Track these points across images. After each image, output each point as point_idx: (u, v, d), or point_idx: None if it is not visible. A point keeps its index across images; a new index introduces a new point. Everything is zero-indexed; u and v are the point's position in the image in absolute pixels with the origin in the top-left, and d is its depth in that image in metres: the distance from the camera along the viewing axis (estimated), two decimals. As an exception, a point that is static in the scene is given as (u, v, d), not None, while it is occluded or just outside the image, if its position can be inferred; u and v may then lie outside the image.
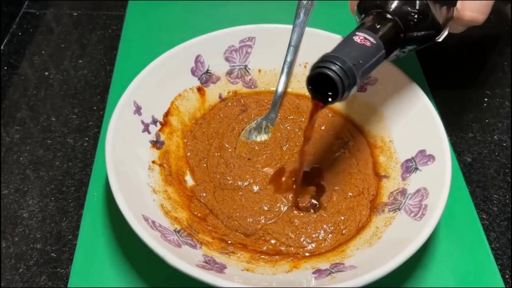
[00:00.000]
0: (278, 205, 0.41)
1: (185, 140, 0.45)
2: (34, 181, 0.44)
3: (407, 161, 0.41)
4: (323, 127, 0.46)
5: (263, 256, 0.37)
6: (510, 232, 0.42)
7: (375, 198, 0.41)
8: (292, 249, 0.38)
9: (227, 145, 0.44)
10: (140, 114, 0.42)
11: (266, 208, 0.40)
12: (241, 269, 0.35)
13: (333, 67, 0.30)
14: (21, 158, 0.46)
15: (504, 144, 0.49)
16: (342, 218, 0.39)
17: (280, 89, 0.47)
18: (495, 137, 0.50)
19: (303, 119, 0.47)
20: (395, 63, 0.44)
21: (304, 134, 0.39)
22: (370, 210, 0.40)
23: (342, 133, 0.45)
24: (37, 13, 0.63)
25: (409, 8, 0.34)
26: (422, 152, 0.40)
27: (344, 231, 0.39)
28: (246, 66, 0.49)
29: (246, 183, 0.42)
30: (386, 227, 0.37)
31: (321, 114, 0.47)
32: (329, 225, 0.39)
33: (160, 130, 0.43)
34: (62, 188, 0.44)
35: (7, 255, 0.39)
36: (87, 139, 0.48)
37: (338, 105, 0.48)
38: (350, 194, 0.41)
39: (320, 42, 0.47)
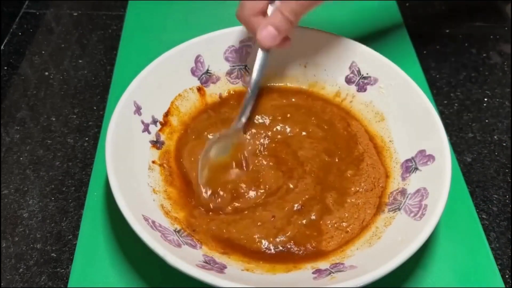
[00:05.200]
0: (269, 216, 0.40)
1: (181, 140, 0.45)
2: (34, 181, 0.44)
3: (407, 161, 0.41)
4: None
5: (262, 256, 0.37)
6: (510, 232, 0.42)
7: (383, 192, 0.41)
8: (293, 248, 0.38)
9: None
10: (140, 114, 0.42)
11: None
12: (241, 269, 0.35)
13: None
14: (21, 158, 0.46)
15: (504, 144, 0.49)
16: (346, 215, 0.39)
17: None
18: (495, 137, 0.50)
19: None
20: (395, 63, 0.44)
21: None
22: (378, 207, 0.40)
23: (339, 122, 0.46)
24: (37, 13, 0.63)
25: None
26: (422, 152, 0.40)
27: (348, 229, 0.39)
28: (246, 66, 0.49)
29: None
30: (386, 227, 0.37)
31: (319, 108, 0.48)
32: (334, 221, 0.39)
33: (160, 130, 0.43)
34: (62, 188, 0.44)
35: (7, 255, 0.39)
36: (87, 139, 0.48)
37: (339, 102, 0.48)
38: (357, 189, 0.41)
39: (320, 42, 0.48)
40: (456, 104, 0.53)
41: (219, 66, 0.48)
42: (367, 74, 0.46)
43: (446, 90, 0.54)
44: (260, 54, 0.43)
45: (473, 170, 0.47)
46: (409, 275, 0.38)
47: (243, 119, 0.44)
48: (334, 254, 0.37)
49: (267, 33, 0.40)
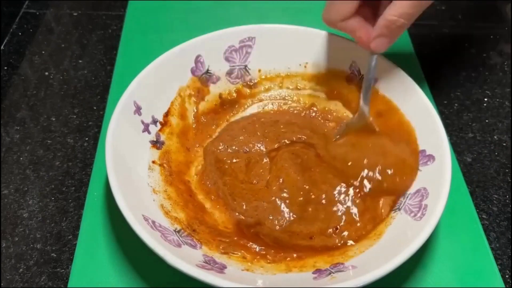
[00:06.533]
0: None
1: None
2: (34, 181, 0.45)
3: (407, 161, 0.41)
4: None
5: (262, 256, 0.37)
6: (510, 232, 0.42)
7: None
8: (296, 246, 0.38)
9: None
10: (140, 114, 0.42)
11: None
12: (241, 269, 0.35)
13: None
14: (21, 158, 0.46)
15: (504, 144, 0.49)
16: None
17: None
18: (495, 137, 0.50)
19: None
20: (395, 62, 0.44)
21: None
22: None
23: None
24: (37, 13, 0.63)
25: None
26: (422, 152, 0.40)
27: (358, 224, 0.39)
28: (246, 66, 0.49)
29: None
30: (386, 227, 0.37)
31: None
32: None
33: (160, 130, 0.43)
34: (62, 188, 0.44)
35: (7, 255, 0.39)
36: (87, 139, 0.48)
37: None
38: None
39: (320, 42, 0.48)
40: (456, 104, 0.53)
41: (219, 66, 0.48)
42: (367, 74, 0.46)
43: (446, 90, 0.54)
44: (373, 59, 0.42)
45: (473, 170, 0.47)
46: (409, 275, 0.38)
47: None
48: (332, 254, 0.37)
49: (380, 43, 0.39)
